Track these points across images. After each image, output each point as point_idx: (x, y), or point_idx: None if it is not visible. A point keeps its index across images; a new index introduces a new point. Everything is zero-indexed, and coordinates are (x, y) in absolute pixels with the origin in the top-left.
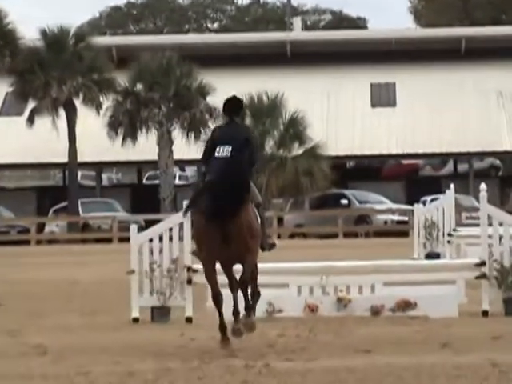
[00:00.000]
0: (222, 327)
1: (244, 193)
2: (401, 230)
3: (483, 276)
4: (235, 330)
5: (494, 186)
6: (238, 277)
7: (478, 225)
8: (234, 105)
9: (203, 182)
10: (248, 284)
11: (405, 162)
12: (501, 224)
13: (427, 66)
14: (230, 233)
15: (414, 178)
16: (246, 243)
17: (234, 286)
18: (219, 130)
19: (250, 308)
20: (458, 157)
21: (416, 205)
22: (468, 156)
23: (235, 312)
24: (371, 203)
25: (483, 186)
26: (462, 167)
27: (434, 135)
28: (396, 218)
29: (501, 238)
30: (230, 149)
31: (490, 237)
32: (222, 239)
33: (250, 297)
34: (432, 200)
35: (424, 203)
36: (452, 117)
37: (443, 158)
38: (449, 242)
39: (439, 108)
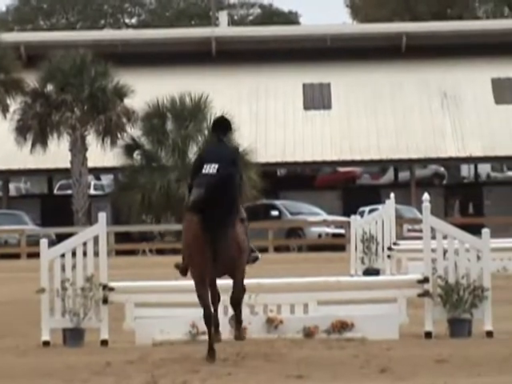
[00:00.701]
0: (211, 347)
1: (231, 208)
2: (337, 244)
3: (426, 294)
4: (217, 339)
5: (437, 195)
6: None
7: (420, 238)
8: (221, 125)
9: (190, 200)
10: (241, 300)
11: (341, 169)
12: (445, 237)
13: (365, 64)
14: (219, 249)
15: (351, 187)
16: (235, 260)
17: (216, 300)
18: (207, 149)
19: (241, 322)
20: (398, 164)
21: (353, 216)
22: (409, 163)
23: (216, 324)
24: (304, 214)
25: (426, 195)
26: (403, 175)
27: (373, 140)
28: (331, 230)
29: (445, 252)
30: (216, 166)
31: (433, 251)
32: (212, 255)
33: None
34: (370, 211)
35: (362, 214)
36: (392, 120)
37: (383, 165)
38: (389, 256)
39: (378, 111)
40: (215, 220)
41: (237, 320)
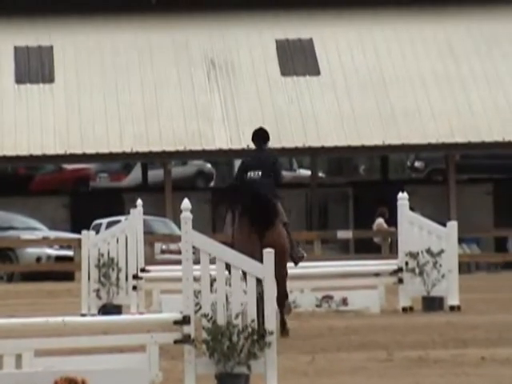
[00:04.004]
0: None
1: (273, 211)
2: (62, 271)
3: (186, 339)
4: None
5: (203, 202)
6: None
7: (178, 262)
8: (262, 135)
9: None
10: (287, 298)
11: (68, 167)
12: (213, 260)
13: (90, 21)
14: (266, 246)
15: (83, 191)
16: (280, 256)
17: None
18: (250, 157)
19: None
20: (148, 159)
21: (85, 232)
22: (163, 158)
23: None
24: (16, 230)
25: (186, 202)
26: (155, 174)
27: (113, 127)
28: (55, 252)
29: (213, 281)
30: (259, 173)
31: (196, 280)
32: (260, 253)
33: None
34: (110, 224)
35: (98, 229)
36: (139, 99)
37: (126, 160)
38: (135, 288)
39: (118, 86)
40: (261, 221)
41: (281, 320)
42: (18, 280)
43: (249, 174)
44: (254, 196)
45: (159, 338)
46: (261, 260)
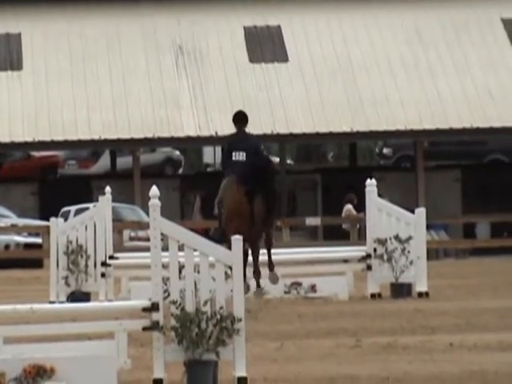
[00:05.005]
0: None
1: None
2: (31, 258)
3: (155, 326)
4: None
5: (171, 189)
6: None
7: (147, 249)
8: (242, 117)
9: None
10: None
11: (36, 154)
12: (182, 247)
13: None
14: (256, 213)
15: (51, 178)
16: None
17: (257, 256)
18: (233, 138)
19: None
20: (116, 146)
21: (53, 219)
22: (131, 145)
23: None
24: None
25: (155, 189)
26: (124, 162)
27: (81, 113)
28: (23, 239)
29: (182, 268)
30: (244, 154)
31: (165, 267)
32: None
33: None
34: (78, 211)
35: (66, 216)
36: (107, 86)
37: (94, 147)
38: (103, 275)
39: (86, 72)
40: (252, 192)
41: (269, 263)
42: None
43: (233, 154)
44: (238, 175)
45: (128, 325)
46: (248, 218)
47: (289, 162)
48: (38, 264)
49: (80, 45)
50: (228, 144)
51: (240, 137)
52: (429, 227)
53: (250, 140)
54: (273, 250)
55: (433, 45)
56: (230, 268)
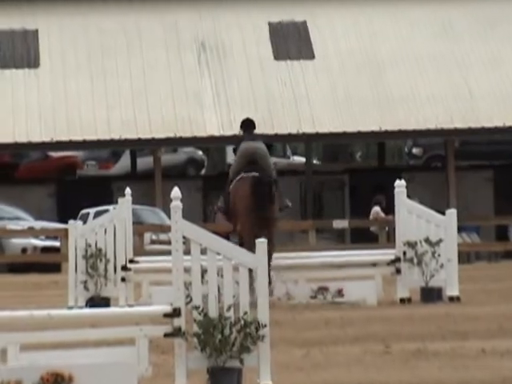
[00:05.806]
0: None
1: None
2: (48, 263)
3: (177, 333)
4: None
5: (193, 190)
6: None
7: (168, 252)
8: (250, 123)
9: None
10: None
11: (54, 154)
12: (205, 251)
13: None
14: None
15: (70, 179)
16: (274, 219)
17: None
18: (246, 142)
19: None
20: (137, 146)
21: (72, 222)
22: (152, 145)
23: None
24: (1, 219)
25: (176, 191)
26: (145, 162)
27: (99, 113)
28: (41, 242)
29: (204, 272)
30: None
31: (187, 271)
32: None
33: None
34: (97, 214)
35: (85, 219)
36: (127, 84)
37: (114, 147)
38: (123, 279)
39: (106, 70)
40: (261, 193)
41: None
42: (2, 271)
43: (244, 163)
44: (258, 180)
45: (149, 331)
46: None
47: (315, 162)
48: (55, 268)
49: (98, 41)
50: (240, 152)
51: (250, 145)
52: (460, 229)
53: (261, 150)
54: (299, 254)
55: (464, 39)
56: (251, 271)
